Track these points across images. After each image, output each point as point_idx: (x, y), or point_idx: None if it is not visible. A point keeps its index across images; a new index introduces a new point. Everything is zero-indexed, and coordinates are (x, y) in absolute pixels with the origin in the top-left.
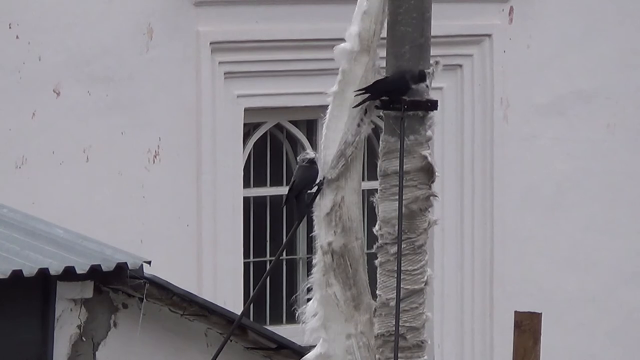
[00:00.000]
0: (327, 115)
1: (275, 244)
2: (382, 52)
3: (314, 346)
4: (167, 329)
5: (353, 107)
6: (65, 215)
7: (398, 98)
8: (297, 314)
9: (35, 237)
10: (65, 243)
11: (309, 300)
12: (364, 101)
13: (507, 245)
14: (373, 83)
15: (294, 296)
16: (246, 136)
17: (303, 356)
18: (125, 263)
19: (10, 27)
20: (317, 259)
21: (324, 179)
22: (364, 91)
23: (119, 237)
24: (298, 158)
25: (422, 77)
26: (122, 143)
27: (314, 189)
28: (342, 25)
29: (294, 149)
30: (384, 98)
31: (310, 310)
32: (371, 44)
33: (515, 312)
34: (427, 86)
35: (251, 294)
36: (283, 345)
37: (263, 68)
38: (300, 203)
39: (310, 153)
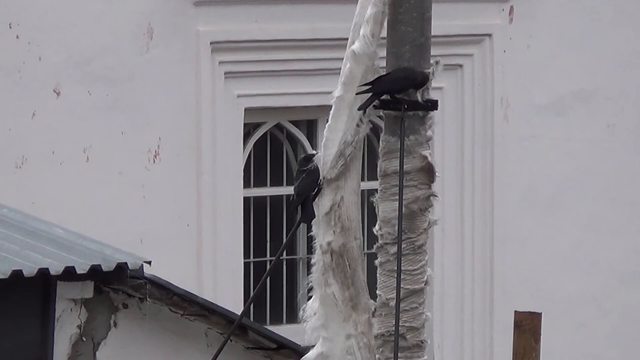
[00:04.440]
0: (329, 117)
1: (275, 244)
2: (382, 52)
3: (314, 346)
4: (167, 329)
5: (359, 110)
6: (65, 215)
7: (401, 91)
8: (299, 313)
9: (35, 237)
10: (65, 243)
11: (309, 298)
12: (368, 102)
13: (507, 245)
14: (375, 79)
15: (299, 296)
16: (246, 136)
17: (303, 356)
18: (125, 263)
19: (10, 27)
20: (316, 258)
21: (323, 178)
22: (368, 87)
23: (119, 237)
24: (298, 162)
25: (425, 81)
26: (122, 143)
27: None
28: (342, 25)
29: (294, 149)
30: (385, 97)
31: (311, 308)
32: (371, 44)
33: (515, 312)
34: (427, 88)
35: (251, 294)
36: (283, 345)
37: (263, 68)
38: (306, 207)
39: (310, 157)
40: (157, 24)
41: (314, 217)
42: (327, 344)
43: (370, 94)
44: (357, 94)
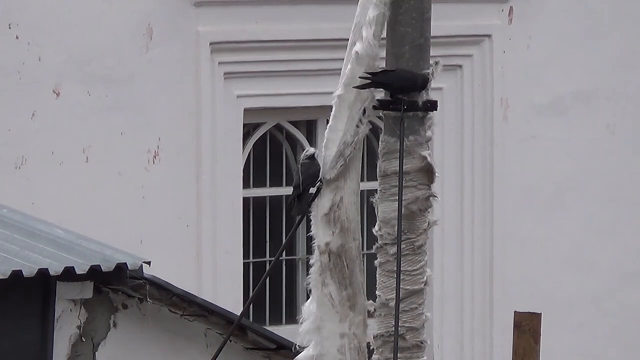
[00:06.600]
0: (331, 117)
1: (275, 244)
2: (382, 53)
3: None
4: (167, 329)
5: (354, 87)
6: (65, 215)
7: (400, 90)
8: (297, 315)
9: (35, 237)
10: (65, 243)
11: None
12: (366, 85)
13: (507, 245)
14: (380, 71)
15: (298, 294)
16: (246, 136)
17: (296, 356)
18: (125, 263)
19: (10, 27)
20: (315, 258)
21: (323, 178)
22: (370, 76)
23: (119, 237)
24: (300, 156)
25: (424, 85)
26: (122, 143)
27: (316, 186)
28: (342, 26)
29: (294, 149)
30: (383, 98)
31: (308, 311)
32: (374, 46)
33: (515, 312)
34: (427, 88)
35: (250, 294)
36: (282, 346)
37: (263, 68)
38: (302, 201)
39: (310, 149)
40: (156, 24)
41: (307, 210)
42: (320, 346)
43: (371, 83)
44: (360, 77)
